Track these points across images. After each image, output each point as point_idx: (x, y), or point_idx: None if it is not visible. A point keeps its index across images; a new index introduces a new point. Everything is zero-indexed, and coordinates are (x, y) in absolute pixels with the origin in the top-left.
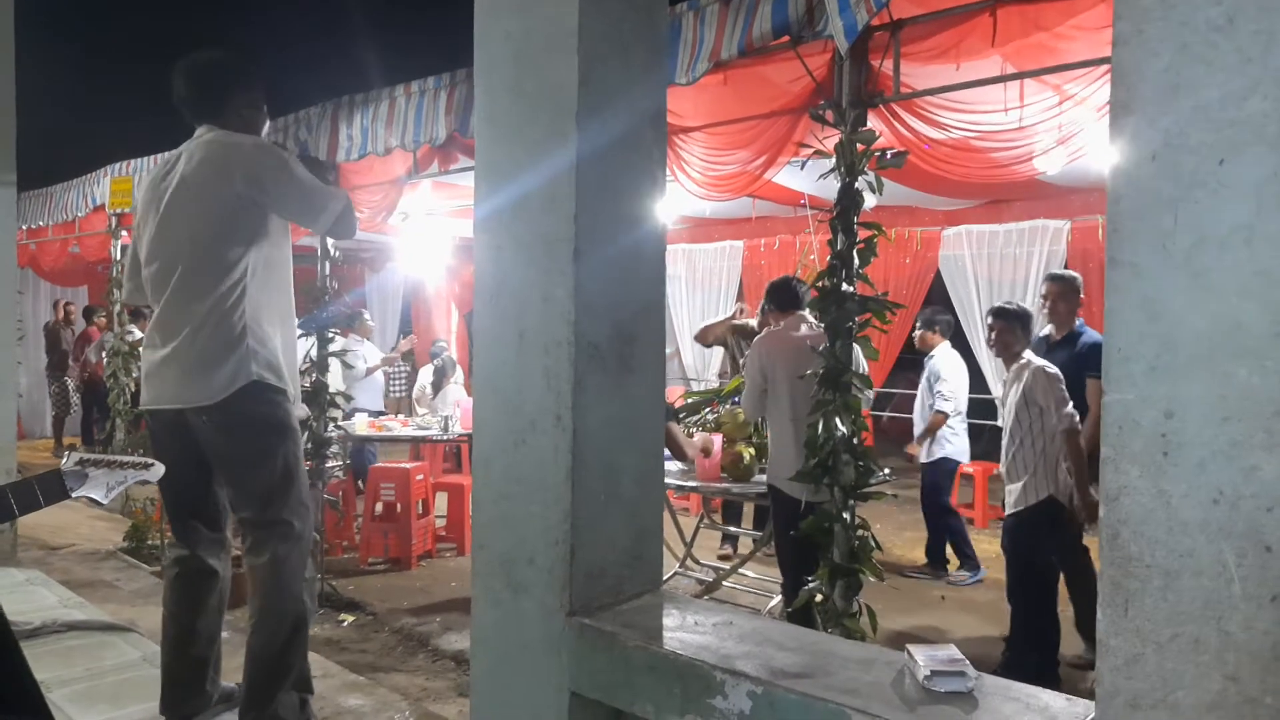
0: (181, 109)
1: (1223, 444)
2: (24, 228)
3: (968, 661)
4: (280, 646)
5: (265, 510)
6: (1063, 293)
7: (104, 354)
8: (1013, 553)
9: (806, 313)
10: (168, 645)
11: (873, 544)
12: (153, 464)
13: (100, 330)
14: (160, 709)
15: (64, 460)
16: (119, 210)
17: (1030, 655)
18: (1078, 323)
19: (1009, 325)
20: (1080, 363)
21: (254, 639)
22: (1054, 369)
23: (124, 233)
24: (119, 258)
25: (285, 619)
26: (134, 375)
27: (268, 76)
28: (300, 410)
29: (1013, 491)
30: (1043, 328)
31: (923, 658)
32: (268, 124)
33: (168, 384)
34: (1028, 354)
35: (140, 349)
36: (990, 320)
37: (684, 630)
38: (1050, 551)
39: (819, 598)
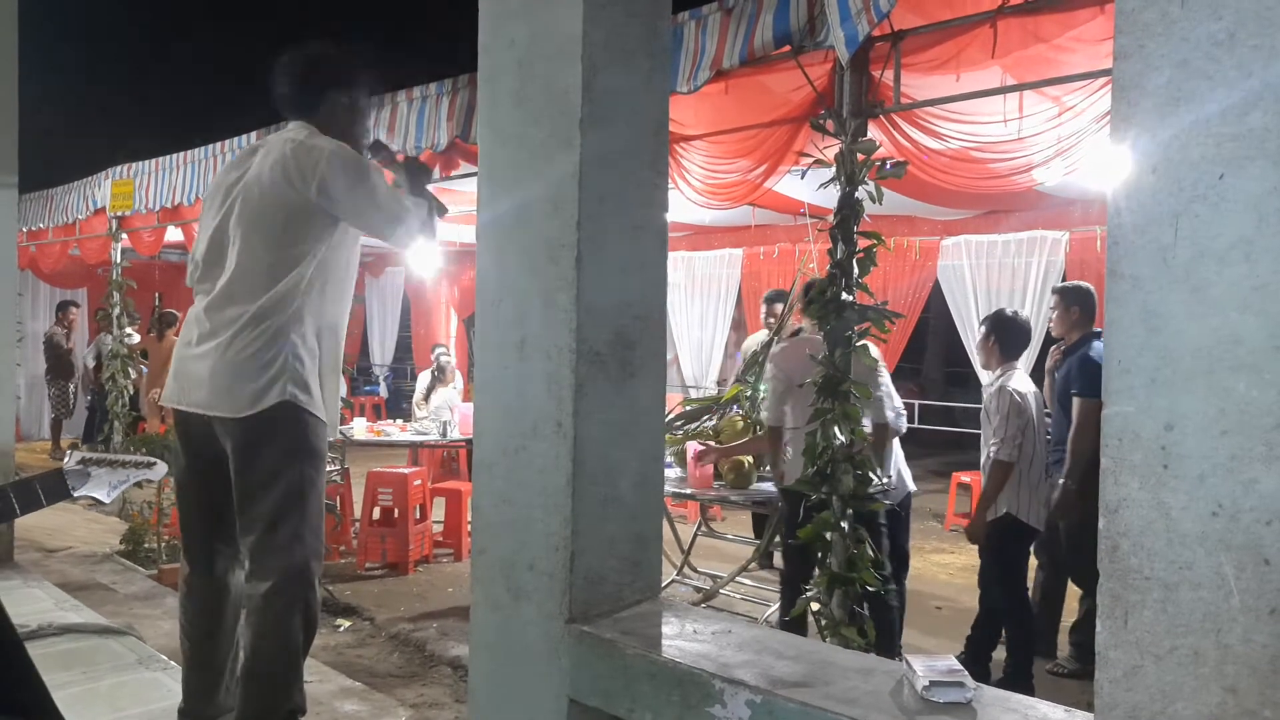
0: (278, 106)
1: (1222, 457)
2: (24, 230)
3: (966, 672)
4: (273, 687)
5: (268, 535)
6: (1055, 304)
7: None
8: (988, 557)
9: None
10: (185, 657)
11: (871, 553)
12: (155, 463)
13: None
14: (178, 716)
15: (66, 459)
16: (119, 213)
17: (983, 653)
18: (1093, 337)
19: (986, 336)
20: (1067, 379)
21: (245, 680)
22: (1021, 396)
23: (124, 235)
24: (119, 260)
25: (277, 659)
26: (131, 378)
27: (370, 77)
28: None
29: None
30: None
31: (921, 668)
32: (369, 124)
33: (197, 386)
34: (1009, 370)
35: (136, 353)
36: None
37: (683, 638)
38: (1016, 560)
39: (815, 606)
